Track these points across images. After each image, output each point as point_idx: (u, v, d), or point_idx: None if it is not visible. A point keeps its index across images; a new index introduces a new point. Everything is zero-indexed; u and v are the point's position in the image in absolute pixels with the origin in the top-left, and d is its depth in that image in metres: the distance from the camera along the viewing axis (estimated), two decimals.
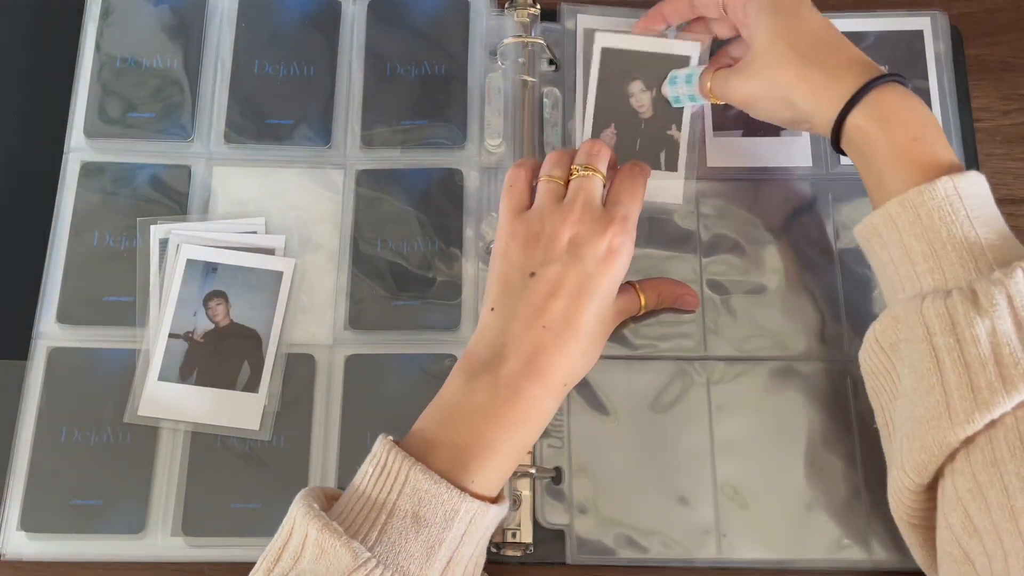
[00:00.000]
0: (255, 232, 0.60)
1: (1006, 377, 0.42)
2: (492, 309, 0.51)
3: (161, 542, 0.54)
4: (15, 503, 0.54)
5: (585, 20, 0.65)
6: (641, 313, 0.57)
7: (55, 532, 0.54)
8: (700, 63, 0.61)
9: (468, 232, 0.60)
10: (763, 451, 0.56)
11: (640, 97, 0.61)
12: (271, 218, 0.60)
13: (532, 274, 0.51)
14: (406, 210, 0.61)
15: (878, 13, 0.65)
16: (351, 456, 0.55)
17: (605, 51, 0.62)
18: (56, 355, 0.57)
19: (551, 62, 0.64)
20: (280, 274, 0.59)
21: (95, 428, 0.55)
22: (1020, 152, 0.63)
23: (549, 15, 0.65)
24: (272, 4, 0.64)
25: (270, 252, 0.59)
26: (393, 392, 0.57)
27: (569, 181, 0.54)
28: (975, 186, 0.47)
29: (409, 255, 0.60)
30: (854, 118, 0.50)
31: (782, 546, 0.54)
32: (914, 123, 0.49)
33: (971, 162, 0.62)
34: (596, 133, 0.61)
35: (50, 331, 0.58)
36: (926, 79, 0.63)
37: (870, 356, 0.50)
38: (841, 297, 0.59)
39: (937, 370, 0.44)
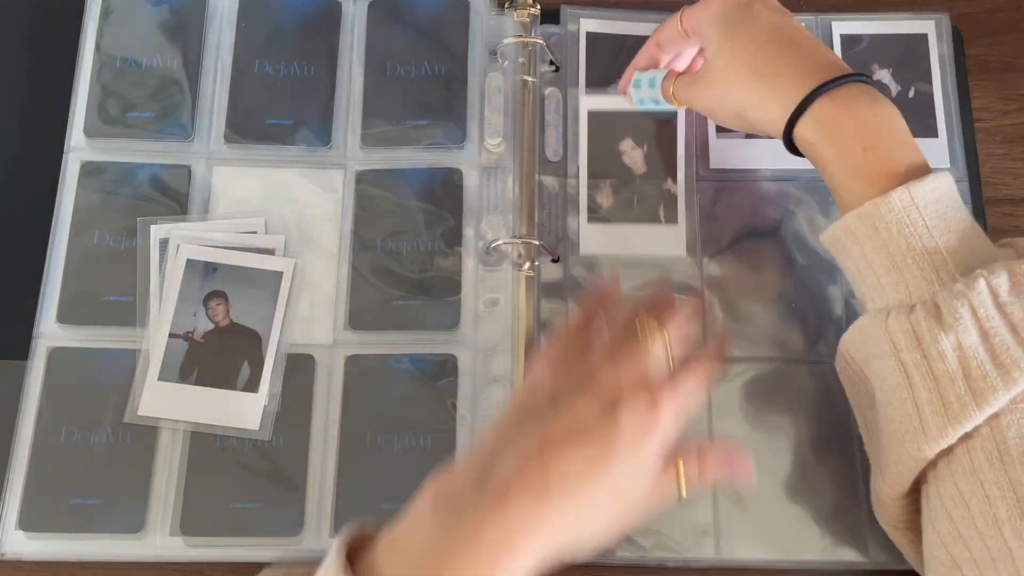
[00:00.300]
0: (255, 232, 0.60)
1: (976, 391, 0.42)
2: (494, 430, 0.42)
3: (160, 542, 0.54)
4: (15, 502, 0.54)
5: (588, 24, 0.64)
6: (681, 502, 0.45)
7: (54, 531, 0.54)
8: None
9: (468, 232, 0.60)
10: (762, 451, 0.56)
11: (632, 154, 0.61)
12: (271, 218, 0.60)
13: (556, 403, 0.42)
14: (406, 210, 0.61)
15: (882, 16, 0.65)
16: (351, 456, 0.55)
17: (592, 114, 0.62)
18: (56, 355, 0.57)
19: (551, 62, 0.64)
20: (280, 274, 0.59)
21: (95, 428, 0.55)
22: (1020, 152, 0.63)
23: (551, 16, 0.65)
24: (272, 4, 0.64)
25: (270, 252, 0.59)
26: (393, 392, 0.57)
27: (628, 332, 0.45)
28: (934, 191, 0.46)
29: (409, 255, 0.60)
30: (800, 130, 0.49)
31: (780, 546, 0.54)
32: (862, 130, 0.47)
33: (971, 162, 0.62)
34: (592, 190, 0.61)
35: (50, 331, 0.58)
36: (930, 82, 0.63)
37: (844, 367, 0.49)
38: (841, 297, 0.59)
39: (908, 385, 0.44)
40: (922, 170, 0.47)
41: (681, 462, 0.44)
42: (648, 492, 0.43)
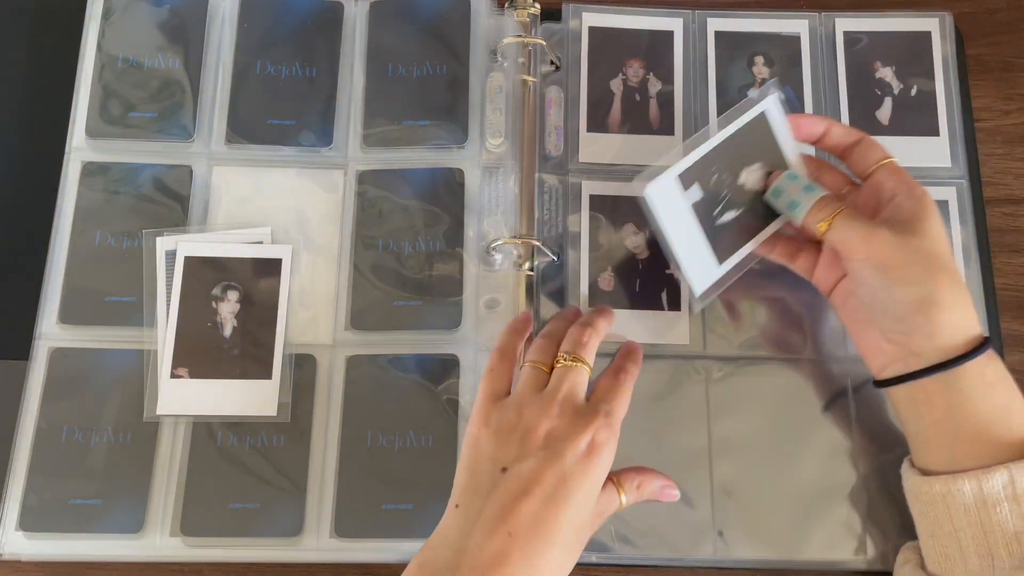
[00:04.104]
0: (261, 242, 0.60)
1: None
2: (456, 506, 0.46)
3: (160, 542, 0.54)
4: (14, 503, 0.54)
5: (591, 18, 0.65)
6: (621, 510, 0.50)
7: (54, 531, 0.54)
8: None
9: (469, 232, 0.60)
10: (761, 450, 0.56)
11: (634, 239, 0.60)
12: (272, 219, 0.60)
13: (504, 469, 0.46)
14: (407, 210, 0.61)
15: (886, 13, 0.65)
16: (352, 456, 0.55)
17: (593, 197, 0.61)
18: (57, 355, 0.57)
19: (552, 62, 0.64)
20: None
21: (95, 428, 0.55)
22: (1020, 152, 0.63)
23: (553, 15, 0.65)
24: (274, 4, 0.65)
25: (276, 261, 0.59)
26: (394, 392, 0.57)
27: (553, 369, 0.50)
28: None
29: (410, 255, 0.60)
30: (981, 363, 0.47)
31: (779, 546, 0.54)
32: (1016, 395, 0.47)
33: (972, 162, 0.62)
34: (593, 276, 0.59)
35: (51, 331, 0.58)
36: (932, 80, 0.63)
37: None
38: None
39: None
40: None
41: (622, 477, 0.50)
42: (595, 513, 0.47)
